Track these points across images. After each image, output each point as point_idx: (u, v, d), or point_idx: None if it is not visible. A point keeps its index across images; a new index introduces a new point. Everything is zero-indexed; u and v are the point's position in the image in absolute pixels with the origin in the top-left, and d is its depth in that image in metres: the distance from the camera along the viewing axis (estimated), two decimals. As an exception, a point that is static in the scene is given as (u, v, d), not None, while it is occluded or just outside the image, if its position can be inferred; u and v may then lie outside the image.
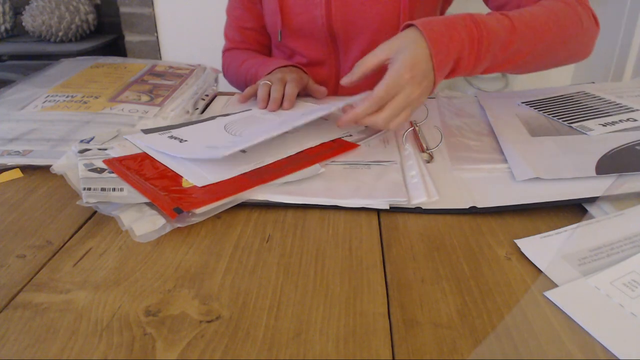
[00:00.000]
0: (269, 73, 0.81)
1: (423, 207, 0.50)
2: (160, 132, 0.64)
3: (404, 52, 0.57)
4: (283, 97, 0.73)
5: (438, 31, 0.57)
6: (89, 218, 0.49)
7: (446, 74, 0.60)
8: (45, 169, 0.57)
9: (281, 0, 0.86)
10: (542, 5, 0.66)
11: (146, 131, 0.64)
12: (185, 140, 0.61)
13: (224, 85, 0.96)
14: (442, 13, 0.93)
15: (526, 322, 0.35)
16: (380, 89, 0.56)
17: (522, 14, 0.62)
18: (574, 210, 0.49)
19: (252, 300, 0.38)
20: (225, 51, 0.99)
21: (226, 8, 0.98)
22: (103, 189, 0.50)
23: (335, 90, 0.94)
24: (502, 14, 0.62)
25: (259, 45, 0.98)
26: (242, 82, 0.91)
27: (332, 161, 0.58)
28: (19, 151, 0.61)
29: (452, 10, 0.95)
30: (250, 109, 0.73)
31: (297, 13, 0.86)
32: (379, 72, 0.93)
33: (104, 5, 1.94)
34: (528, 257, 0.42)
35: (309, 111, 0.68)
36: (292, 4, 0.86)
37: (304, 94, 0.81)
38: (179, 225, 0.46)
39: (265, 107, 0.73)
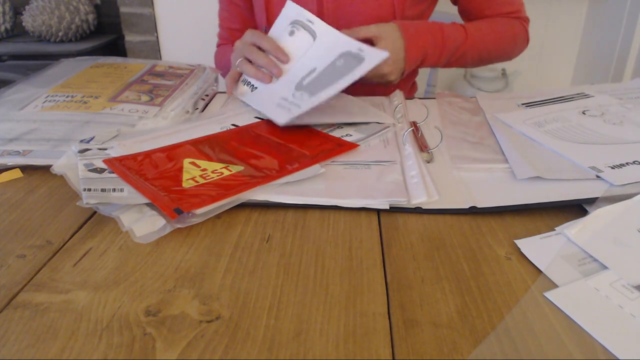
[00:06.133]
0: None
1: (423, 207, 0.50)
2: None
3: (386, 39, 0.75)
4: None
5: (413, 32, 0.77)
6: (89, 218, 0.49)
7: (416, 65, 0.80)
8: (45, 169, 0.57)
9: None
10: (491, 24, 0.87)
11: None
12: (256, 87, 0.75)
13: (223, 85, 0.97)
14: (430, 10, 0.94)
15: (526, 322, 0.35)
16: None
17: (476, 30, 0.84)
18: (574, 210, 0.49)
19: (252, 300, 0.38)
20: (218, 46, 1.05)
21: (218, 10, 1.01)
22: (103, 190, 0.50)
23: None
24: (462, 26, 0.83)
25: None
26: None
27: (332, 161, 0.58)
28: (19, 151, 0.61)
29: (439, 7, 0.95)
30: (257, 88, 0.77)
31: None
32: None
33: (104, 5, 1.94)
34: (528, 257, 0.42)
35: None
36: (278, 2, 0.87)
37: None
38: (179, 225, 0.46)
39: (269, 80, 0.75)
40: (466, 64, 0.87)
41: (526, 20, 0.93)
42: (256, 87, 0.75)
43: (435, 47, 0.79)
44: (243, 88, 0.78)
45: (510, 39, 0.90)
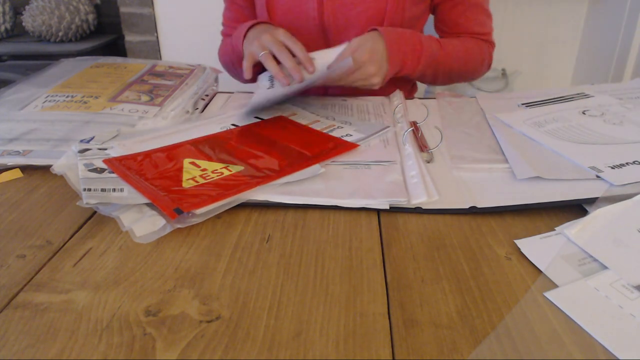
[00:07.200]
0: (245, 35, 0.83)
1: (423, 207, 0.50)
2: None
3: (369, 41, 0.77)
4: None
5: (394, 37, 0.79)
6: (89, 218, 0.49)
7: (398, 67, 0.81)
8: (45, 169, 0.57)
9: None
10: (463, 41, 0.92)
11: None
12: (273, 87, 0.77)
13: (223, 85, 0.97)
14: (430, 10, 0.94)
15: (526, 322, 0.35)
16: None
17: (448, 43, 0.88)
18: (574, 210, 0.49)
19: (252, 300, 0.38)
20: (223, 38, 1.06)
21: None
22: (103, 190, 0.50)
23: (327, 86, 0.96)
24: (436, 39, 0.87)
25: None
26: (229, 61, 0.94)
27: (332, 161, 0.58)
28: (19, 151, 0.61)
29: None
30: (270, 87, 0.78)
31: (287, 9, 0.88)
32: None
33: (104, 5, 1.94)
34: (528, 257, 0.42)
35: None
36: (279, 1, 0.88)
37: None
38: (179, 225, 0.46)
39: (287, 83, 0.75)
40: (437, 77, 0.90)
41: (492, 45, 0.98)
42: (273, 87, 0.77)
43: (414, 52, 0.82)
44: (264, 82, 0.79)
45: (479, 59, 0.94)
